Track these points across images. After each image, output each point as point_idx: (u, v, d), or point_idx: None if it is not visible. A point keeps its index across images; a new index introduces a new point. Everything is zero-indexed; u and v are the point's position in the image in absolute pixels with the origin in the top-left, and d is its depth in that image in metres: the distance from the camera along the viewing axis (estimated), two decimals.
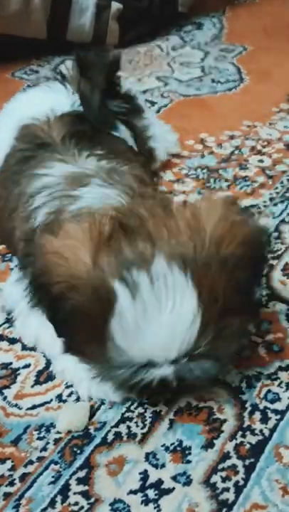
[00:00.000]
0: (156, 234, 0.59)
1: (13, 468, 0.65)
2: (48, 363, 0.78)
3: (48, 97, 0.99)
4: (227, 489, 0.62)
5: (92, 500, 0.62)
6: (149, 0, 1.73)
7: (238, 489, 0.62)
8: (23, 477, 0.64)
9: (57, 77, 1.07)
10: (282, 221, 1.02)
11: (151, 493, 0.62)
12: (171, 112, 1.40)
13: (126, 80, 1.51)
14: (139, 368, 0.60)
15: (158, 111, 1.40)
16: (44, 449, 0.67)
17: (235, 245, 0.60)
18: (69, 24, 1.64)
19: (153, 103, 1.43)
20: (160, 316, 0.57)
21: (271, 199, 1.08)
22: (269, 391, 0.73)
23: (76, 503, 0.62)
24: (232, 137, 1.28)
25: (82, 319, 0.59)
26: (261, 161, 1.20)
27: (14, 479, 0.64)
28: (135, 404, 0.71)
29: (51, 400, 0.73)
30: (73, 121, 0.92)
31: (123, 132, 1.03)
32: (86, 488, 0.63)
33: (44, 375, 0.76)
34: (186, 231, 0.60)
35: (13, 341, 0.82)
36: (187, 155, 1.22)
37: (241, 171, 1.17)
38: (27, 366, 0.78)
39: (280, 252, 0.95)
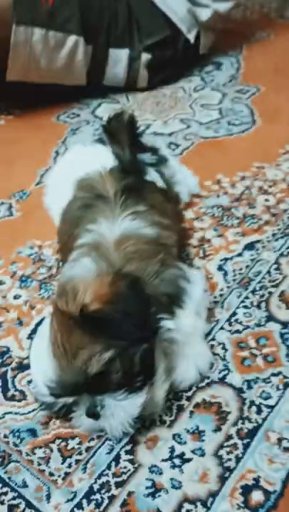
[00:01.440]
0: None
1: (80, 443, 0.90)
2: None
3: (95, 155, 1.21)
4: (230, 459, 0.86)
5: (136, 465, 0.87)
6: (173, 48, 1.94)
7: (238, 460, 0.86)
8: (87, 449, 0.89)
9: (97, 139, 1.31)
10: (281, 254, 1.21)
11: (176, 461, 0.86)
12: (193, 154, 1.58)
13: (154, 123, 1.74)
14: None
15: (181, 153, 1.60)
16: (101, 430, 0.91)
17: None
18: (106, 73, 1.87)
19: (177, 145, 1.63)
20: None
21: (273, 235, 1.27)
22: (263, 391, 0.94)
23: (125, 467, 0.87)
24: (243, 178, 1.46)
25: None
26: (267, 200, 1.38)
27: (81, 450, 0.89)
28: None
29: None
30: (122, 176, 1.09)
31: (156, 177, 1.23)
32: (132, 457, 0.88)
33: None
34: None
35: None
36: (205, 195, 1.41)
37: (250, 209, 1.36)
38: None
39: (278, 281, 1.14)
